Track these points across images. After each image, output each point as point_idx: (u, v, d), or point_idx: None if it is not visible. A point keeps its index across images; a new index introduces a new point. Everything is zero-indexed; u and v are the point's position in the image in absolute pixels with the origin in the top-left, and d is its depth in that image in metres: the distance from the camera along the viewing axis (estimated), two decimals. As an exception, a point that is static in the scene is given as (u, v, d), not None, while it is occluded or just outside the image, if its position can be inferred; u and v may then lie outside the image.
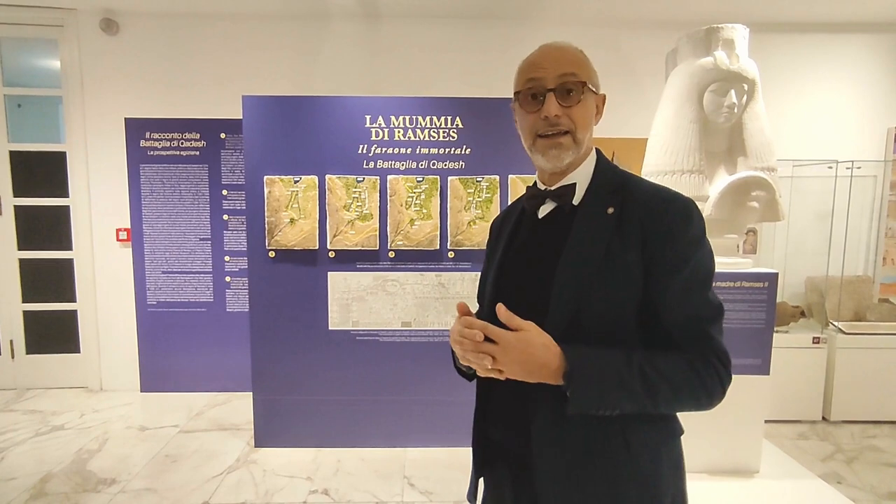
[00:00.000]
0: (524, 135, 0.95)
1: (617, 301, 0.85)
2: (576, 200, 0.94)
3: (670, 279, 0.84)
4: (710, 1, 3.34)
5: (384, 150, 2.84)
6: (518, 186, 2.87)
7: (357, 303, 2.91)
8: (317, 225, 2.85)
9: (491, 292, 1.01)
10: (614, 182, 0.92)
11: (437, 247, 2.88)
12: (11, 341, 3.81)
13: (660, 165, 2.42)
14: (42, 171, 3.73)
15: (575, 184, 0.94)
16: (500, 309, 0.82)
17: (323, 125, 2.82)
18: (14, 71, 3.78)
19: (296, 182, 2.82)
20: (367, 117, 2.83)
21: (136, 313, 3.72)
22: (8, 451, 2.89)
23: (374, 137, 2.84)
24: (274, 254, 2.86)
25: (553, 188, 0.96)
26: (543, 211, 0.98)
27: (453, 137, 2.86)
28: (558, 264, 0.88)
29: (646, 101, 3.57)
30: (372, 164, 2.85)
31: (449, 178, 2.86)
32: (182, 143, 3.64)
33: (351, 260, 2.89)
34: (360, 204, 2.85)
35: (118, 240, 3.72)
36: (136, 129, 3.60)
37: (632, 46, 3.69)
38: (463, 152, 2.87)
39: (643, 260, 0.85)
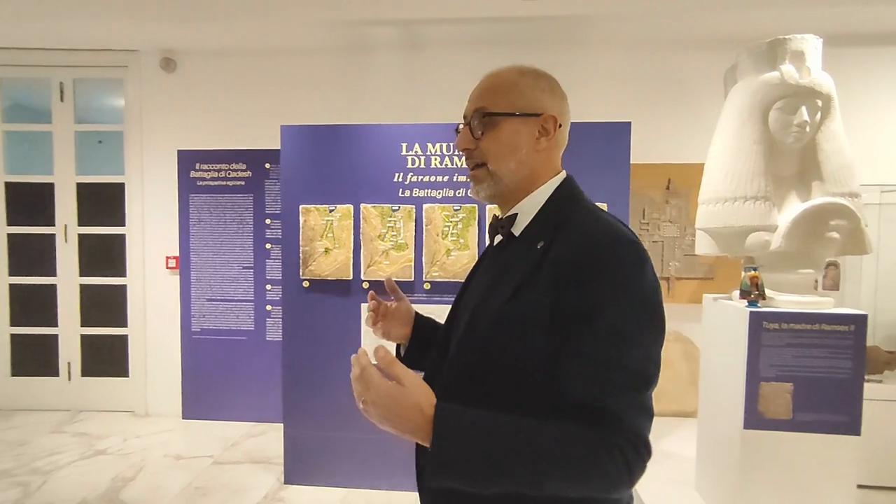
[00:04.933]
0: None
1: (519, 346, 0.76)
2: (518, 231, 0.88)
3: (575, 333, 0.72)
4: (770, 16, 3.08)
5: (420, 178, 2.75)
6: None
7: (391, 336, 2.79)
8: (351, 255, 2.78)
9: (447, 319, 1.00)
10: (558, 216, 0.84)
11: (475, 279, 2.73)
12: (69, 363, 3.96)
13: (719, 192, 2.17)
14: (104, 202, 3.92)
15: (517, 215, 0.88)
16: (379, 352, 0.71)
17: (359, 154, 2.78)
18: (87, 110, 4.04)
19: (331, 211, 2.77)
20: (404, 145, 2.76)
21: (180, 340, 3.78)
22: (51, 474, 2.94)
23: (410, 165, 2.76)
24: (308, 283, 2.80)
25: (501, 218, 0.91)
26: (497, 240, 0.94)
27: (492, 164, 2.74)
28: (472, 301, 0.85)
29: (704, 124, 3.31)
30: (408, 193, 2.76)
31: (487, 206, 2.72)
32: (229, 174, 3.73)
33: (385, 291, 2.78)
34: (395, 233, 2.76)
35: (167, 267, 3.83)
36: (187, 160, 3.73)
37: (687, 67, 3.47)
38: (502, 180, 2.73)
39: (552, 307, 0.74)
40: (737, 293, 2.17)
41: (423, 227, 2.75)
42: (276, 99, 3.71)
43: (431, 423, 0.68)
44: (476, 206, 2.71)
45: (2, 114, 3.93)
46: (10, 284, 3.96)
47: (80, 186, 3.92)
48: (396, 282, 2.71)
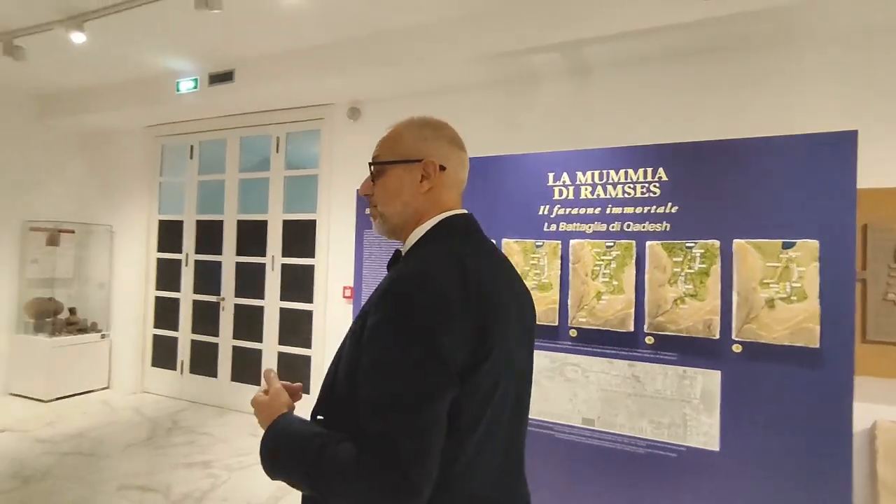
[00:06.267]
0: None
1: (350, 371, 0.85)
2: None
3: (362, 364, 0.81)
4: None
5: (568, 210, 2.47)
6: (749, 254, 2.10)
7: (534, 386, 2.50)
8: (491, 293, 2.61)
9: None
10: (413, 251, 0.95)
11: (632, 328, 2.29)
12: (270, 376, 4.57)
13: None
14: (301, 236, 4.51)
15: (400, 251, 1.00)
16: (266, 372, 1.00)
17: (502, 185, 2.63)
18: (294, 158, 4.75)
19: (473, 246, 2.66)
20: (550, 175, 2.52)
21: (351, 365, 4.04)
22: (235, 472, 3.35)
23: (556, 196, 2.50)
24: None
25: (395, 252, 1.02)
26: None
27: (654, 193, 2.31)
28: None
29: None
30: (553, 227, 2.49)
31: (648, 243, 2.28)
32: (399, 210, 3.93)
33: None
34: (538, 272, 2.50)
35: (343, 296, 4.17)
36: (363, 198, 4.05)
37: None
38: (668, 211, 2.28)
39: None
40: None
41: (570, 265, 2.44)
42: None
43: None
44: (633, 242, 2.31)
45: (239, 165, 4.87)
46: (235, 304, 4.79)
47: (285, 223, 4.58)
48: (541, 326, 2.44)
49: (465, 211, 1.01)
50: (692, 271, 2.20)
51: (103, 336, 5.15)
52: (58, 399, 4.72)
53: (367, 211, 1.03)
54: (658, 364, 2.25)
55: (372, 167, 1.00)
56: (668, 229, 2.27)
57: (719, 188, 2.19)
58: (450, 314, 0.79)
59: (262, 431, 0.91)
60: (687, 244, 2.21)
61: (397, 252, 1.01)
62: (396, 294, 0.81)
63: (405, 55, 3.40)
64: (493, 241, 2.56)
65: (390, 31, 3.45)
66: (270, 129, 4.61)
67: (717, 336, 2.13)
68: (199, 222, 5.04)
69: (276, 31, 3.53)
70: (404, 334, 0.78)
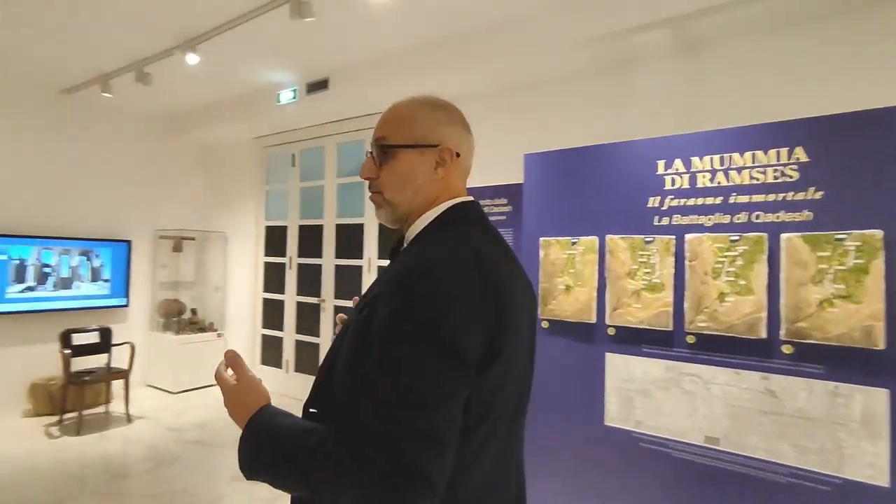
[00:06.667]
0: None
1: (352, 364, 0.79)
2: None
3: (367, 355, 0.74)
4: None
5: (682, 201, 2.19)
6: (922, 247, 1.71)
7: (642, 397, 2.26)
8: (595, 294, 2.39)
9: None
10: (420, 237, 0.88)
11: (764, 335, 1.97)
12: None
13: None
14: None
15: (403, 238, 0.93)
16: (228, 353, 0.87)
17: (606, 177, 2.40)
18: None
19: (573, 244, 2.46)
20: (661, 162, 2.25)
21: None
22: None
23: (668, 186, 2.23)
24: (547, 324, 2.53)
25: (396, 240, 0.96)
26: None
27: (791, 177, 1.97)
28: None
29: None
30: (665, 221, 2.23)
31: (784, 235, 1.95)
32: (492, 209, 3.80)
33: (635, 340, 2.28)
34: (648, 270, 2.25)
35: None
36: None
37: None
38: (809, 197, 1.93)
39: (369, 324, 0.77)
40: None
41: (686, 262, 2.16)
42: (540, 130, 3.64)
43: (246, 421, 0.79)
44: (765, 234, 1.98)
45: (336, 170, 5.03)
46: (335, 306, 4.95)
47: (381, 226, 4.65)
48: (648, 330, 2.20)
49: (472, 198, 0.94)
50: (844, 268, 1.84)
51: (219, 335, 5.57)
52: (183, 391, 5.18)
53: (369, 197, 0.93)
54: (800, 378, 1.91)
55: (376, 150, 0.90)
56: (809, 219, 1.92)
57: (877, 168, 1.81)
58: (466, 307, 0.73)
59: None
60: (837, 236, 1.85)
61: (401, 238, 0.94)
62: (410, 285, 0.73)
63: (500, 49, 3.28)
64: (595, 238, 2.37)
65: (484, 25, 3.34)
66: (365, 133, 4.71)
67: (882, 346, 1.75)
68: (301, 227, 5.28)
69: (366, 35, 3.56)
70: (418, 328, 0.71)
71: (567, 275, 2.48)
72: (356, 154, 4.91)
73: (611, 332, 2.34)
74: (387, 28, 3.43)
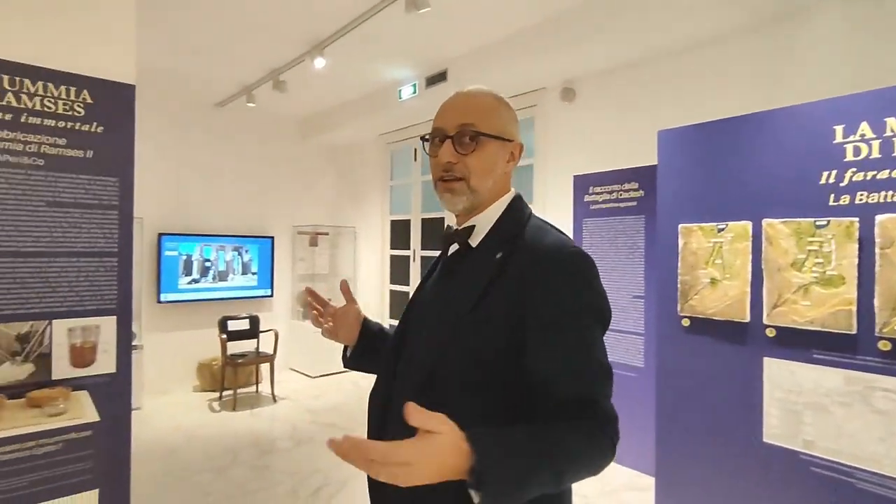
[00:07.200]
0: (432, 176, 0.94)
1: (476, 353, 0.81)
2: (475, 243, 0.92)
3: (552, 337, 0.79)
4: None
5: (868, 174, 1.77)
6: None
7: (814, 412, 1.88)
8: (748, 289, 2.05)
9: (398, 327, 0.99)
10: (513, 229, 0.90)
11: None
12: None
13: None
14: None
15: (474, 226, 0.93)
16: (410, 409, 0.62)
17: (762, 151, 2.03)
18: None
19: (720, 231, 2.13)
20: (839, 128, 1.84)
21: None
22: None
23: (850, 157, 1.81)
24: (688, 322, 2.24)
25: (457, 229, 0.95)
26: (452, 250, 0.97)
27: None
28: (434, 308, 0.90)
29: None
30: (845, 199, 1.82)
31: None
32: (620, 195, 3.49)
33: (804, 344, 1.91)
34: (820, 260, 1.86)
35: (562, 291, 3.91)
36: (581, 185, 3.73)
37: None
38: None
39: (518, 314, 0.80)
40: None
41: (876, 251, 1.74)
42: (675, 106, 3.26)
43: (468, 456, 0.64)
44: None
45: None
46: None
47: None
48: (822, 332, 1.82)
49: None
50: None
51: (352, 324, 5.90)
52: (321, 376, 5.57)
53: (441, 182, 0.91)
54: None
55: (460, 136, 0.89)
56: None
57: None
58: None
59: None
60: None
61: (454, 231, 0.95)
62: (580, 271, 0.82)
63: (629, 15, 2.96)
64: (748, 223, 2.02)
65: (605, -9, 3.06)
66: (483, 123, 4.62)
67: None
68: (423, 220, 5.37)
69: (483, 20, 3.45)
70: (593, 308, 0.81)
71: (712, 266, 2.15)
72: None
73: (770, 333, 1.99)
74: (504, 8, 3.29)
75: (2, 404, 1.55)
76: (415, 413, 0.63)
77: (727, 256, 2.10)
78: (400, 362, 0.93)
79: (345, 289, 1.16)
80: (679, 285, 2.25)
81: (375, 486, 0.91)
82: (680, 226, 2.26)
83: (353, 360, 1.14)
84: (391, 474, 0.60)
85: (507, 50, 3.70)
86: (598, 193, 3.63)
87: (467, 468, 0.64)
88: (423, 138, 0.96)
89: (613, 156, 3.60)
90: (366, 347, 1.11)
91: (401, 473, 0.60)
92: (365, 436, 0.92)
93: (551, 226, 0.93)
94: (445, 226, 1.05)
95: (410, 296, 1.05)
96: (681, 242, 2.25)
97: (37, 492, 1.40)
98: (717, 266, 2.14)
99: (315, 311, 1.16)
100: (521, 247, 0.86)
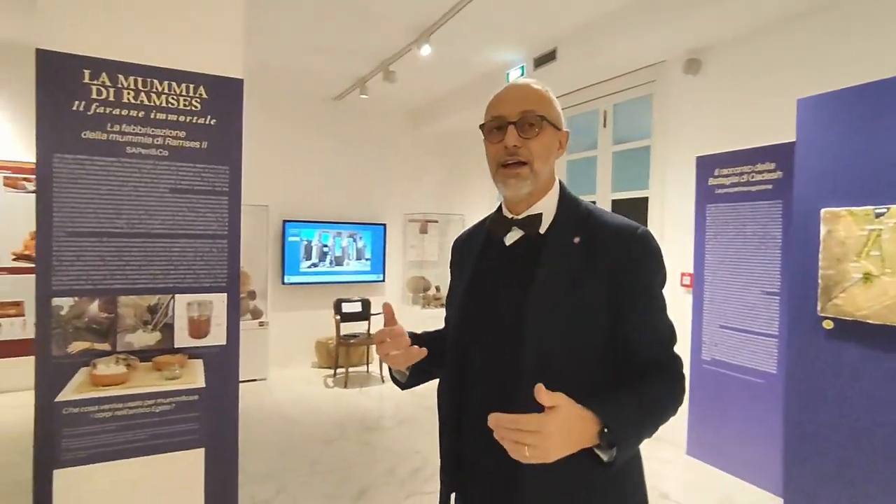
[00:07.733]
0: (490, 165, 0.98)
1: (584, 331, 0.89)
2: (542, 230, 0.97)
3: (640, 307, 0.90)
4: None
5: None
6: None
7: None
8: (915, 287, 1.66)
9: (458, 315, 1.03)
10: (579, 213, 0.97)
11: None
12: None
13: None
14: (631, 216, 4.08)
15: (541, 214, 0.97)
16: (539, 389, 0.73)
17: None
18: (622, 131, 4.34)
19: (878, 216, 1.75)
20: None
21: (689, 365, 3.42)
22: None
23: None
24: (831, 324, 1.88)
25: (520, 217, 0.98)
26: (511, 238, 1.00)
27: None
28: (531, 293, 0.91)
29: None
30: None
31: None
32: (752, 177, 3.06)
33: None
34: None
35: (682, 285, 3.56)
36: (706, 167, 3.33)
37: None
38: None
39: (609, 290, 0.89)
40: None
41: None
42: (815, 70, 2.77)
43: (594, 421, 0.77)
44: None
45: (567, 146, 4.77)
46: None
47: (613, 203, 4.24)
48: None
49: None
50: None
51: (458, 311, 5.96)
52: (427, 360, 5.71)
53: (504, 168, 0.94)
54: None
55: (523, 121, 0.93)
56: None
57: None
58: None
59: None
60: None
61: (513, 220, 0.99)
62: (657, 249, 0.93)
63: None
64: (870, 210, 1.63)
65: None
66: (597, 103, 4.34)
67: None
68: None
69: (593, -9, 3.22)
70: (664, 280, 0.95)
71: (867, 258, 1.78)
72: (587, 126, 4.58)
73: (946, 343, 1.60)
74: (615, -23, 3.03)
75: (135, 366, 1.77)
76: (543, 393, 0.73)
77: (887, 247, 1.72)
78: (477, 354, 0.98)
79: (388, 312, 1.04)
80: (820, 281, 1.90)
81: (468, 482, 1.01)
82: (823, 210, 1.90)
83: (414, 378, 1.13)
84: (522, 449, 0.72)
85: (623, 21, 3.42)
86: (725, 176, 3.22)
87: (595, 432, 0.77)
88: (481, 127, 0.99)
89: (744, 133, 3.16)
90: (422, 364, 1.06)
91: (534, 442, 0.72)
92: (438, 432, 1.07)
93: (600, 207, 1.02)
94: (488, 216, 1.07)
95: (450, 287, 1.12)
96: (823, 230, 1.89)
97: (154, 444, 1.58)
98: (873, 259, 1.76)
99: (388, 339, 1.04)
100: (597, 228, 0.93)
